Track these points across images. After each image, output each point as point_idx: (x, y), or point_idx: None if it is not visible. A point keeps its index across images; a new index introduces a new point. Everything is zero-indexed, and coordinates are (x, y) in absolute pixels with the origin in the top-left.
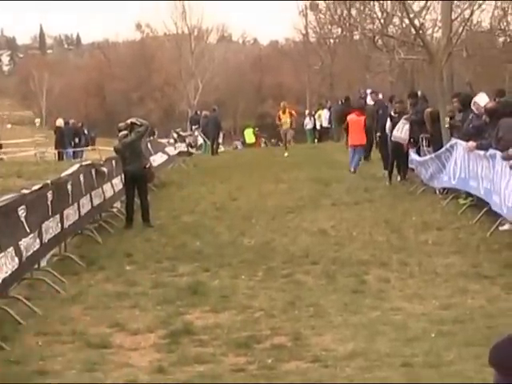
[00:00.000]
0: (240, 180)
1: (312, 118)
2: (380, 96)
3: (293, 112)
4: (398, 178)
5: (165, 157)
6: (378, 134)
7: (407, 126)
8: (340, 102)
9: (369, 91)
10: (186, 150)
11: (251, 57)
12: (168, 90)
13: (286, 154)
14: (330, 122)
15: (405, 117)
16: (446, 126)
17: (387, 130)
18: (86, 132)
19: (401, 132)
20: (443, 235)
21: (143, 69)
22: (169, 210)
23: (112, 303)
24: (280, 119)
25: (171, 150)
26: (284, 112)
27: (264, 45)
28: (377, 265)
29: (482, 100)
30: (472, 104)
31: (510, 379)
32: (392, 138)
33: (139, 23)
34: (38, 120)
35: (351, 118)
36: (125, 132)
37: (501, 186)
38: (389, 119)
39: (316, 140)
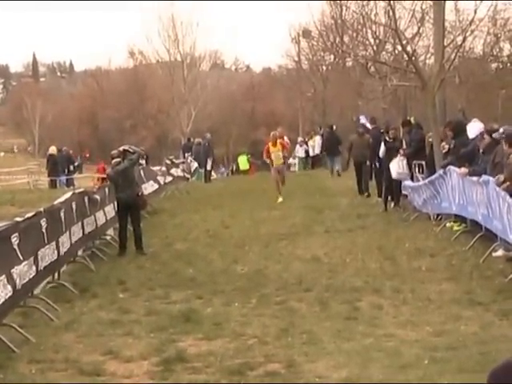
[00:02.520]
0: (233, 207)
1: (304, 145)
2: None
3: (285, 142)
4: (392, 205)
5: (156, 186)
6: (369, 162)
7: (405, 161)
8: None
9: (362, 118)
10: (182, 175)
11: (244, 84)
12: (161, 118)
13: (279, 200)
14: (321, 149)
15: (401, 153)
16: (444, 150)
17: (381, 156)
18: (78, 160)
19: (402, 169)
20: (436, 262)
21: (136, 96)
22: (162, 237)
23: (105, 331)
24: (269, 154)
25: (162, 179)
26: (275, 144)
27: (257, 72)
28: (370, 291)
29: (476, 127)
30: (468, 130)
31: None
32: (395, 177)
33: (132, 51)
34: (30, 148)
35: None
36: (118, 159)
37: (502, 212)
38: (383, 144)
39: (309, 167)
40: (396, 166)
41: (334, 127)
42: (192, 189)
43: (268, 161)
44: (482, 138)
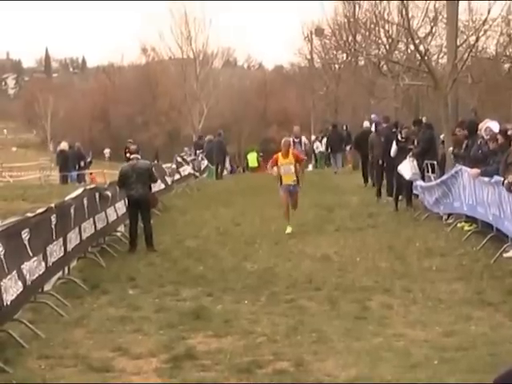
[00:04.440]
0: (243, 205)
1: (317, 142)
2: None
3: (302, 155)
4: (404, 204)
5: (162, 186)
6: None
7: (415, 162)
8: (327, 129)
9: (374, 117)
10: (192, 172)
11: (256, 82)
12: (172, 115)
13: (289, 230)
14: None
15: (410, 154)
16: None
17: (393, 155)
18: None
19: (415, 169)
20: (447, 262)
21: (148, 93)
22: (172, 234)
23: (115, 327)
24: (277, 166)
25: (170, 179)
26: (286, 155)
27: (269, 70)
28: (380, 291)
29: (495, 125)
30: (484, 129)
31: None
32: (410, 178)
33: (145, 47)
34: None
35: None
36: (136, 155)
37: None
38: (395, 144)
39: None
40: (408, 167)
41: (345, 127)
42: (203, 186)
43: (273, 174)
44: (495, 138)
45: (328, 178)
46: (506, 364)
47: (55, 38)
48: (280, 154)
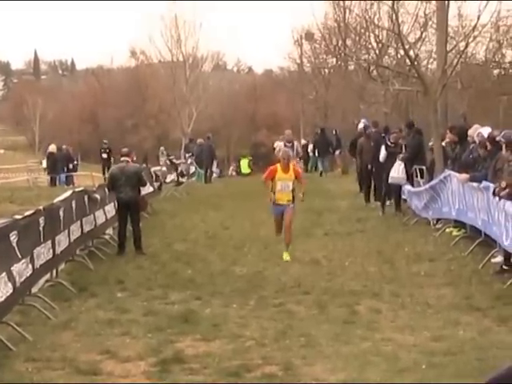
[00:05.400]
0: (232, 209)
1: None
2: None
3: (299, 167)
4: (392, 209)
5: (151, 189)
6: (370, 165)
7: (403, 166)
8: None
9: (363, 121)
10: (176, 179)
11: (245, 85)
12: (162, 118)
13: (286, 258)
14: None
15: (399, 157)
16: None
17: (382, 160)
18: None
19: (398, 173)
20: (435, 266)
21: (137, 96)
22: (161, 237)
23: (103, 330)
24: (271, 178)
25: (157, 184)
26: (286, 170)
27: (258, 73)
28: (368, 295)
29: (485, 130)
30: (476, 135)
31: None
32: (390, 181)
33: (134, 50)
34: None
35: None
36: (126, 158)
37: (500, 219)
38: (383, 148)
39: (314, 168)
40: (392, 171)
41: (335, 131)
42: (192, 190)
43: (268, 189)
44: (484, 144)
45: (318, 182)
46: (493, 369)
47: (44, 40)
48: (279, 166)
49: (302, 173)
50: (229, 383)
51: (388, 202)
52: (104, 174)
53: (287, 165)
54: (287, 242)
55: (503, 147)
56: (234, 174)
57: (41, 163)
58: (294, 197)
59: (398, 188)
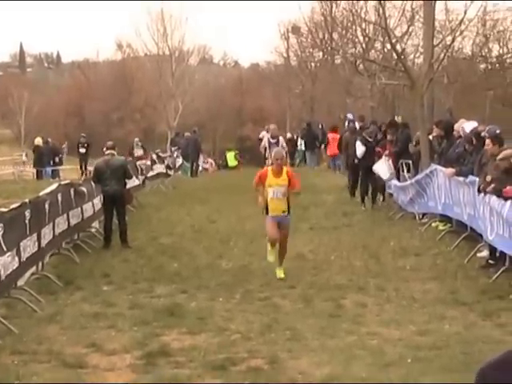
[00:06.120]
0: (219, 202)
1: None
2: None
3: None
4: (370, 204)
5: (137, 182)
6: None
7: (390, 162)
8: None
9: (350, 116)
10: (164, 171)
11: (232, 79)
12: (148, 111)
13: (280, 275)
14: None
15: (385, 153)
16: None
17: (359, 156)
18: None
19: (390, 169)
20: (421, 261)
21: (123, 89)
22: (147, 231)
23: (88, 323)
24: (261, 184)
25: (143, 178)
26: (279, 173)
27: (245, 67)
28: (354, 289)
29: (470, 125)
30: (460, 129)
31: None
32: (387, 179)
33: (120, 43)
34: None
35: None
36: (112, 151)
37: (485, 213)
38: (361, 145)
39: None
40: (386, 168)
41: (320, 125)
42: (178, 183)
43: (258, 192)
44: (470, 138)
45: (304, 176)
46: (478, 363)
47: (30, 33)
48: (270, 169)
49: (296, 180)
50: (214, 378)
51: (381, 198)
52: (81, 169)
53: (280, 167)
54: (281, 258)
55: (487, 142)
56: (215, 168)
57: (22, 156)
58: (289, 206)
59: (378, 182)
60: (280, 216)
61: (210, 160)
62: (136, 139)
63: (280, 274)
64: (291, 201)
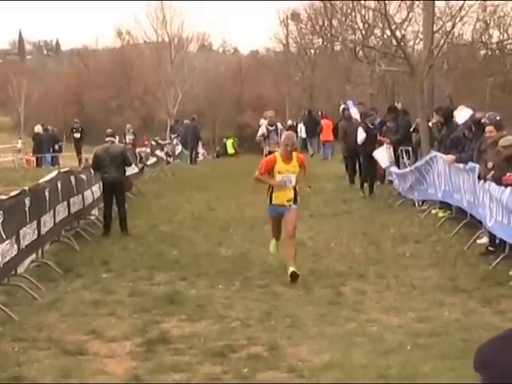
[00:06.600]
0: (218, 190)
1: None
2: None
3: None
4: (368, 192)
5: (136, 169)
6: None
7: (391, 149)
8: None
9: (350, 102)
10: (164, 158)
11: (231, 67)
12: (147, 99)
13: (292, 270)
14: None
15: (387, 141)
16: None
17: (360, 143)
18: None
19: (391, 158)
20: (421, 248)
21: (123, 77)
22: (146, 218)
23: (88, 311)
24: (266, 172)
25: (141, 165)
26: (288, 159)
27: (244, 54)
28: (354, 277)
29: (465, 113)
30: (457, 115)
31: (496, 381)
32: (387, 166)
33: (120, 30)
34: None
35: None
36: (111, 138)
37: (485, 200)
38: (363, 131)
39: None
40: (386, 156)
41: (321, 112)
42: (177, 171)
43: (263, 182)
44: (470, 125)
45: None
46: None
47: (29, 20)
48: (278, 154)
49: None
50: (214, 365)
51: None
52: (77, 154)
53: (290, 153)
54: (290, 255)
55: (490, 129)
56: (214, 156)
57: (18, 143)
58: (296, 195)
59: (375, 169)
60: (284, 206)
61: (203, 150)
62: (128, 125)
63: (290, 268)
64: (303, 183)
